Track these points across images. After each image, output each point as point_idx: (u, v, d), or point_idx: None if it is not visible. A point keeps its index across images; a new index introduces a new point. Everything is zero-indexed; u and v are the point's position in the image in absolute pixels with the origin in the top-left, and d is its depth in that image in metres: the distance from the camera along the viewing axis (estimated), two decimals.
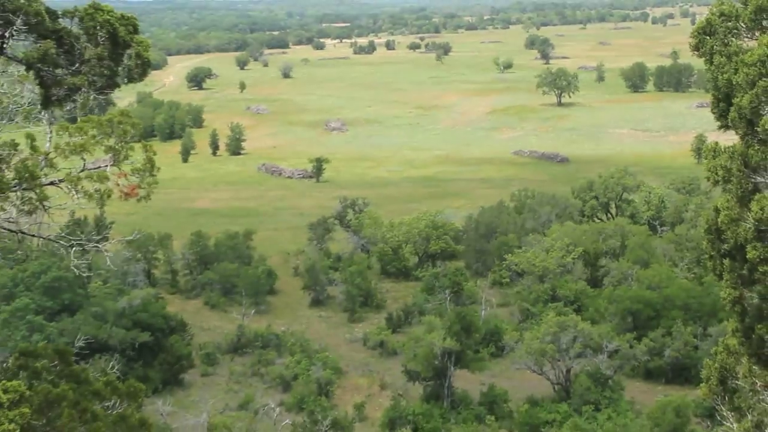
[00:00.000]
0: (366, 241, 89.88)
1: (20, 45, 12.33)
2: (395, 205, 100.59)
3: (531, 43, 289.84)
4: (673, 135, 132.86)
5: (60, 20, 12.07)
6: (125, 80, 12.75)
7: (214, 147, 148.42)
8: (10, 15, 11.40)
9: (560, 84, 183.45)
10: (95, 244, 17.23)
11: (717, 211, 8.65)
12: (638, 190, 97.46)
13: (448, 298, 73.82)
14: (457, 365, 63.12)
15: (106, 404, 13.45)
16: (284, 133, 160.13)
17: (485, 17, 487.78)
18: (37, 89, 12.89)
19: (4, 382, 11.31)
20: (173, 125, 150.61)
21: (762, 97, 7.98)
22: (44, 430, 12.08)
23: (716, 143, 9.01)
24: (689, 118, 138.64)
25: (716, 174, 8.51)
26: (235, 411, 56.76)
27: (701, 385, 12.46)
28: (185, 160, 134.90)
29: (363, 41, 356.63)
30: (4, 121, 14.43)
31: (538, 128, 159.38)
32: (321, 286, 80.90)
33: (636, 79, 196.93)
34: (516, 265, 79.31)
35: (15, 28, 11.68)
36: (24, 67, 12.43)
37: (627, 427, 53.71)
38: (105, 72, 12.01)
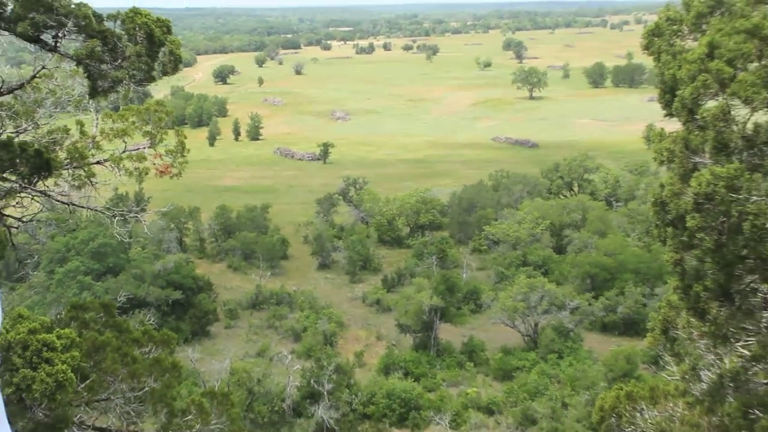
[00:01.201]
0: (365, 214, 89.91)
1: (71, 44, 12.31)
2: (390, 183, 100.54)
3: (507, 45, 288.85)
4: (627, 124, 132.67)
5: (105, 22, 12.08)
6: (160, 74, 12.76)
7: (236, 133, 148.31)
8: (63, 18, 11.41)
9: (532, 80, 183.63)
10: (135, 215, 17.27)
11: (662, 186, 8.69)
12: (597, 171, 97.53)
13: (435, 263, 73.93)
14: (441, 320, 63.32)
15: (144, 350, 13.50)
16: (296, 122, 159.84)
17: (468, 23, 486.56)
18: (85, 82, 12.86)
19: (58, 330, 11.35)
20: (201, 114, 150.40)
21: (701, 90, 8.01)
22: (91, 371, 12.12)
23: (662, 129, 9.05)
24: (641, 110, 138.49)
25: (662, 155, 8.55)
26: (254, 358, 56.93)
27: (647, 335, 12.52)
28: (211, 145, 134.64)
29: (364, 43, 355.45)
30: (57, 110, 14.43)
31: (513, 118, 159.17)
32: (326, 252, 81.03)
33: (596, 77, 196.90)
34: (493, 235, 79.49)
35: (66, 29, 11.68)
36: (75, 63, 12.42)
37: (585, 372, 53.85)
38: (143, 67, 12.01)
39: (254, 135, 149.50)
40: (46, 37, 11.92)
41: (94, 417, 13.13)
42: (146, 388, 12.80)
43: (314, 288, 74.37)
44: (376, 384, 55.08)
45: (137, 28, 11.85)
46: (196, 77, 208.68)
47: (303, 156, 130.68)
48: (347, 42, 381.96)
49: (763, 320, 9.43)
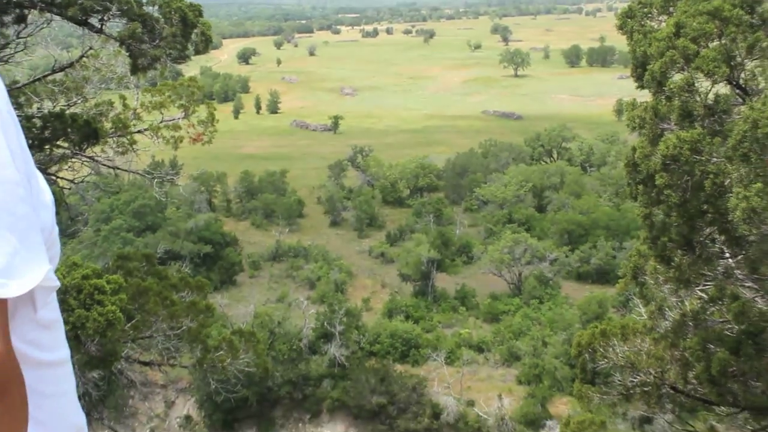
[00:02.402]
0: (371, 178, 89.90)
1: (115, 26, 12.33)
2: (392, 151, 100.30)
3: (495, 30, 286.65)
4: (600, 99, 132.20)
5: (144, 7, 12.09)
6: (193, 52, 12.83)
7: (257, 107, 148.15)
8: (107, 3, 11.43)
9: (516, 61, 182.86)
10: (170, 179, 17.32)
11: (634, 149, 8.69)
12: (573, 140, 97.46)
13: (432, 221, 74.02)
14: (438, 270, 63.51)
15: (181, 294, 13.62)
16: (310, 97, 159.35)
17: (461, 10, 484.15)
18: (127, 61, 12.90)
19: (107, 276, 11.44)
20: (227, 91, 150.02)
21: (668, 64, 7.98)
22: (136, 313, 12.23)
23: (634, 99, 9.04)
24: (612, 87, 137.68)
25: (634, 122, 8.55)
26: (274, 303, 57.17)
27: (619, 280, 12.56)
28: (236, 117, 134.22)
29: (369, 28, 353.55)
30: (102, 86, 14.48)
31: (500, 93, 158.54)
32: (337, 212, 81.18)
33: (573, 57, 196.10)
34: (482, 196, 79.53)
35: (111, 13, 11.70)
36: (118, 44, 12.45)
37: (562, 315, 54.17)
38: (178, 46, 12.04)
39: (273, 109, 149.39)
40: (93, 20, 11.95)
41: (138, 352, 13.30)
42: (183, 328, 12.92)
43: (326, 242, 74.56)
44: (381, 326, 55.40)
45: (173, 12, 11.87)
46: (222, 58, 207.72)
47: (316, 127, 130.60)
48: (354, 27, 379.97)
49: (720, 267, 9.45)
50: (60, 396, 1.53)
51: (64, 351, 1.55)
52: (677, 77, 8.24)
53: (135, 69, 12.33)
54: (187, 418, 50.60)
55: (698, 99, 8.24)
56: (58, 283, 1.41)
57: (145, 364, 13.40)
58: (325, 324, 51.97)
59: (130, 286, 11.91)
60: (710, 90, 8.42)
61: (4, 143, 1.34)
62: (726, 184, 7.59)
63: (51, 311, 1.48)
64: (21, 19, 11.85)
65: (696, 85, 8.22)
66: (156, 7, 12.10)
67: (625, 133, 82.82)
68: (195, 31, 12.22)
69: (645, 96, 9.03)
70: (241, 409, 49.07)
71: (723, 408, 12.30)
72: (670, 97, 8.19)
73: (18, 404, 1.29)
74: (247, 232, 77.67)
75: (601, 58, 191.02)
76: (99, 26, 12.02)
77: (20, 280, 1.28)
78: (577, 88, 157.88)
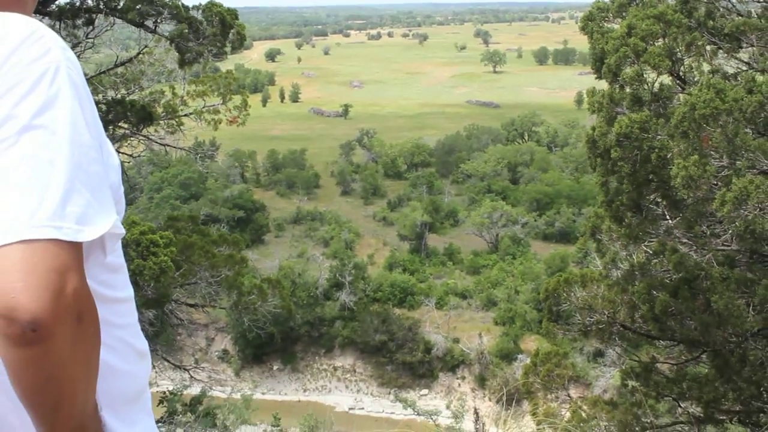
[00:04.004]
0: (375, 155, 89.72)
1: (166, 27, 12.31)
2: (393, 133, 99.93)
3: (477, 34, 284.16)
4: (563, 91, 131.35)
5: (190, 11, 12.06)
6: (230, 49, 12.80)
7: (282, 97, 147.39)
8: (160, 8, 11.40)
9: (495, 59, 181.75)
10: (211, 154, 17.33)
11: (593, 129, 8.70)
12: (541, 125, 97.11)
13: (425, 191, 74.00)
14: (429, 231, 63.59)
15: (220, 249, 13.64)
16: (324, 89, 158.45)
17: (449, 17, 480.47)
18: (176, 57, 12.88)
19: (160, 232, 11.47)
20: (256, 84, 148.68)
21: (622, 59, 7.99)
22: (183, 263, 12.26)
23: (594, 88, 9.02)
24: (573, 82, 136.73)
25: (594, 106, 8.54)
26: (295, 258, 57.23)
27: (580, 238, 12.61)
28: (264, 106, 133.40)
29: (373, 32, 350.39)
30: (155, 78, 14.47)
31: (481, 87, 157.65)
32: (347, 183, 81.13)
33: (541, 57, 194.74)
34: (466, 170, 79.47)
35: (163, 16, 11.66)
36: (168, 42, 12.41)
37: (531, 269, 54.28)
38: (217, 44, 12.02)
39: (294, 99, 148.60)
40: (148, 22, 11.90)
41: (185, 296, 13.34)
42: (222, 276, 12.96)
43: (338, 208, 74.57)
44: (383, 277, 55.59)
45: (213, 15, 11.83)
46: (252, 57, 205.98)
47: (330, 114, 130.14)
48: (362, 31, 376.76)
49: (662, 226, 9.48)
50: (125, 327, 1.56)
51: (128, 290, 1.58)
52: (629, 70, 8.24)
53: (182, 63, 12.31)
54: (225, 351, 50.93)
55: (646, 87, 8.25)
56: (123, 231, 1.42)
57: (191, 305, 13.49)
58: (337, 275, 52.18)
59: (178, 242, 11.95)
60: (656, 80, 8.43)
61: (80, 113, 1.35)
62: (668, 157, 7.61)
63: (117, 257, 1.50)
64: (89, 23, 11.81)
65: (644, 76, 8.22)
66: (200, 12, 12.11)
67: (584, 119, 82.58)
68: (232, 31, 12.20)
69: (602, 85, 9.04)
70: (269, 345, 49.41)
71: (662, 342, 12.40)
72: (623, 86, 8.20)
73: (92, 330, 1.31)
74: (273, 199, 77.64)
75: (564, 57, 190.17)
76: (153, 27, 11.98)
77: (93, 227, 1.28)
78: (544, 82, 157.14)
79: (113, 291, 1.49)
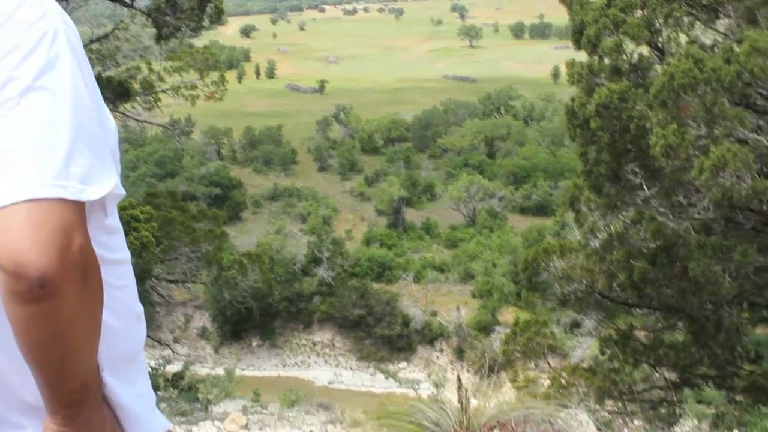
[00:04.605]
0: (351, 131, 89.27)
1: (142, 2, 12.20)
2: (370, 108, 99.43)
3: (453, 8, 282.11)
4: (539, 66, 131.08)
5: None
6: (208, 23, 12.69)
7: (257, 74, 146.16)
8: None
9: (471, 34, 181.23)
10: (189, 130, 17.24)
11: (573, 99, 8.74)
12: (517, 99, 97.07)
13: (402, 165, 73.94)
14: (407, 206, 63.64)
15: (200, 224, 13.58)
16: (300, 65, 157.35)
17: None
18: (152, 33, 12.77)
19: (140, 207, 11.41)
20: (231, 60, 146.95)
21: (601, 30, 8.02)
22: (163, 239, 12.21)
23: (573, 59, 9.05)
24: (549, 56, 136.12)
25: (573, 77, 8.58)
26: (273, 235, 57.00)
27: (558, 209, 12.69)
28: (239, 82, 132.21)
29: (349, 7, 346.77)
30: (131, 54, 14.34)
31: (458, 61, 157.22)
32: (324, 159, 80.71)
33: (518, 31, 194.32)
34: (443, 145, 79.31)
35: None
36: (145, 17, 12.29)
37: (508, 242, 54.46)
38: (195, 18, 11.91)
39: (270, 75, 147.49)
40: None
41: (165, 271, 13.30)
42: (202, 251, 12.93)
43: (315, 184, 74.32)
44: (361, 252, 55.63)
45: None
46: (227, 33, 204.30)
47: (306, 89, 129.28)
48: (337, 6, 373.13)
49: (640, 195, 9.58)
50: (124, 288, 1.57)
51: (126, 253, 1.60)
52: (608, 40, 8.27)
53: (159, 38, 12.22)
54: (203, 329, 50.89)
55: (625, 58, 8.30)
56: (124, 192, 1.44)
57: (172, 282, 13.47)
58: (315, 251, 52.13)
59: (158, 217, 11.91)
60: (635, 51, 8.48)
61: (80, 75, 1.35)
62: (647, 127, 7.68)
63: (114, 220, 1.52)
64: None
65: (623, 47, 8.27)
66: None
67: (560, 93, 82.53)
68: (209, 4, 12.10)
69: (582, 57, 9.07)
70: (247, 321, 49.36)
71: (639, 310, 12.58)
72: (602, 57, 8.24)
73: (97, 288, 1.32)
74: (250, 176, 77.19)
75: (540, 32, 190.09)
76: (130, 2, 11.86)
77: (95, 187, 1.29)
78: (521, 57, 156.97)
79: (112, 253, 1.51)
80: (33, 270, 1.19)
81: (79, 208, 1.27)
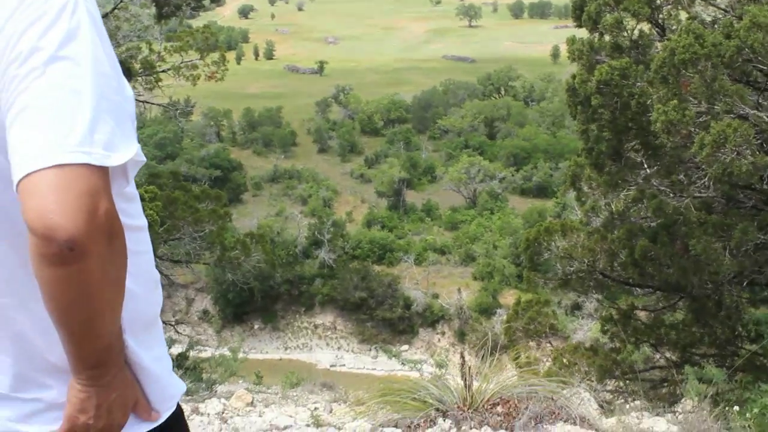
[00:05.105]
0: (351, 112, 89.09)
1: None
2: (370, 89, 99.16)
3: None
4: (539, 45, 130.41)
5: None
6: (208, 2, 12.67)
7: (256, 55, 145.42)
8: None
9: (470, 14, 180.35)
10: (189, 111, 17.26)
11: (573, 77, 8.76)
12: (517, 80, 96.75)
13: (402, 147, 73.88)
14: (407, 187, 63.71)
15: (203, 204, 13.63)
16: (299, 46, 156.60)
17: None
18: (152, 12, 12.78)
19: (145, 187, 11.48)
20: (230, 41, 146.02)
21: (602, 6, 8.05)
22: (167, 219, 12.27)
23: (574, 36, 9.07)
24: (549, 36, 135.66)
25: (574, 54, 8.61)
26: (274, 217, 57.10)
27: (560, 187, 12.73)
28: (238, 63, 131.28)
29: None
30: (132, 33, 14.33)
31: (457, 41, 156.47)
32: (324, 140, 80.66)
33: (517, 11, 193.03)
34: (443, 126, 79.22)
35: None
36: None
37: (509, 223, 54.54)
38: None
39: (269, 56, 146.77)
40: None
41: (169, 251, 13.37)
42: (206, 231, 13.00)
43: (315, 166, 74.29)
44: (362, 234, 55.76)
45: None
46: (225, 14, 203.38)
47: (305, 70, 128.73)
48: None
49: (642, 173, 9.63)
50: (143, 254, 1.63)
51: (143, 220, 1.66)
52: (609, 17, 8.30)
53: (159, 17, 12.23)
54: (205, 312, 51.03)
55: (626, 35, 8.32)
56: (145, 159, 1.48)
57: (176, 261, 13.55)
58: (316, 233, 52.28)
59: (162, 197, 11.97)
60: (635, 28, 8.51)
61: (100, 45, 1.40)
62: (648, 103, 7.72)
63: (132, 188, 1.57)
64: None
65: (624, 23, 8.29)
66: None
67: (560, 73, 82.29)
68: None
69: (582, 34, 9.09)
70: (249, 304, 49.59)
71: (640, 291, 12.65)
72: (603, 33, 8.27)
73: (121, 251, 1.37)
74: (250, 158, 77.17)
75: (540, 11, 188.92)
76: None
77: (118, 153, 1.34)
78: (520, 36, 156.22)
79: (132, 219, 1.57)
80: (62, 233, 1.24)
81: (103, 173, 1.32)
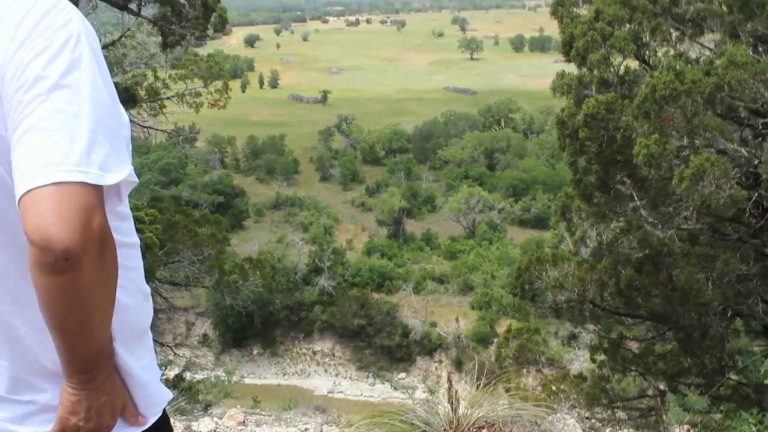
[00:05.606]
0: (353, 141, 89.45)
1: (149, 10, 12.42)
2: (372, 119, 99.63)
3: (454, 21, 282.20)
4: (539, 79, 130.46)
5: None
6: (212, 32, 12.93)
7: (261, 83, 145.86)
8: None
9: (472, 46, 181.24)
10: (193, 137, 17.48)
11: (562, 110, 8.98)
12: (517, 112, 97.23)
13: (403, 177, 74.09)
14: (407, 217, 63.79)
15: (203, 229, 13.77)
16: (303, 75, 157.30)
17: (427, 4, 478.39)
18: (158, 41, 13.00)
19: (145, 210, 11.64)
20: (236, 70, 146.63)
21: (590, 43, 8.28)
22: (167, 242, 12.40)
23: (564, 70, 9.30)
24: (549, 69, 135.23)
25: (563, 88, 8.83)
26: (275, 243, 57.17)
27: (552, 217, 12.88)
28: (243, 91, 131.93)
29: (352, 18, 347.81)
30: (138, 61, 14.54)
31: (458, 73, 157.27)
32: (326, 169, 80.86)
33: (518, 44, 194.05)
34: (444, 156, 79.47)
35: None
36: (151, 25, 12.53)
37: (507, 254, 54.45)
38: (200, 27, 12.16)
39: (273, 84, 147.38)
40: (132, 5, 12.04)
41: (168, 274, 13.49)
42: (205, 254, 13.11)
43: (317, 194, 74.46)
44: (361, 262, 55.74)
45: None
46: (231, 43, 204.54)
47: (309, 99, 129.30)
48: (340, 17, 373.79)
49: (630, 205, 9.82)
50: (135, 269, 1.76)
51: (135, 238, 1.78)
52: (596, 53, 8.53)
53: (165, 46, 12.45)
54: (205, 336, 50.96)
55: (612, 70, 8.55)
56: (137, 180, 1.61)
57: (174, 284, 13.66)
58: (316, 260, 52.30)
59: (162, 221, 12.11)
60: (622, 64, 8.74)
61: (99, 74, 1.55)
62: (633, 137, 7.92)
63: (126, 207, 1.70)
64: (74, 5, 11.91)
65: (611, 59, 8.53)
66: None
67: (559, 106, 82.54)
68: (213, 14, 12.33)
69: (573, 68, 9.32)
70: (248, 329, 49.53)
71: (630, 320, 12.77)
72: (591, 69, 8.49)
73: (112, 262, 1.49)
74: (253, 185, 77.40)
75: (540, 45, 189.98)
76: (137, 10, 12.12)
77: (112, 174, 1.45)
78: (521, 69, 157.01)
79: (124, 237, 1.70)
80: (58, 244, 1.36)
81: (98, 191, 1.44)
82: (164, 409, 1.88)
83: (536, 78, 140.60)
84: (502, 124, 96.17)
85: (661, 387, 12.47)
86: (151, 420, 1.79)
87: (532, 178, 68.65)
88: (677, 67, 6.95)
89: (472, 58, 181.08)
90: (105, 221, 1.45)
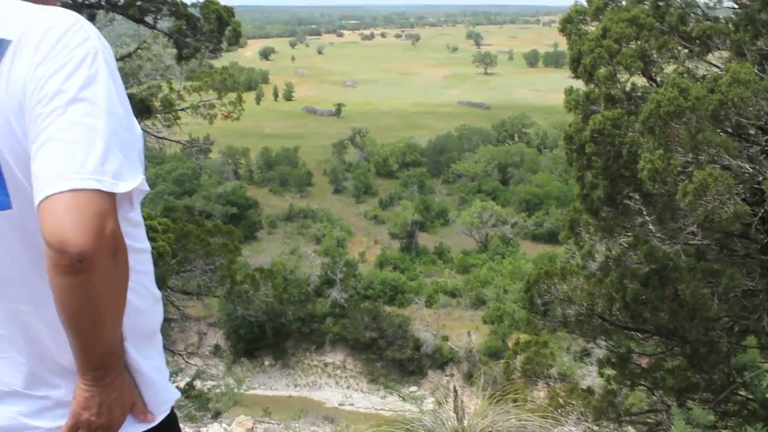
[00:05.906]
0: (367, 154, 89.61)
1: (164, 23, 12.59)
2: (385, 132, 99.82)
3: (469, 36, 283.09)
4: (553, 94, 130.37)
5: (188, 8, 12.37)
6: (226, 45, 13.10)
7: (275, 96, 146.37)
8: (160, 5, 11.71)
9: (486, 61, 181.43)
10: (207, 148, 17.64)
11: (570, 125, 9.08)
12: (531, 127, 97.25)
13: (416, 190, 74.17)
14: (420, 230, 63.85)
15: (215, 239, 13.89)
16: (318, 88, 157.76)
17: (442, 18, 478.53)
18: (173, 53, 13.17)
19: (158, 218, 11.79)
20: (251, 82, 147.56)
21: (597, 59, 8.39)
22: (179, 251, 12.53)
23: (572, 87, 9.40)
24: (563, 84, 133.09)
25: (570, 104, 8.93)
26: (288, 255, 57.27)
27: (561, 231, 12.95)
28: (258, 103, 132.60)
29: (367, 32, 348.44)
30: (153, 73, 14.72)
31: (472, 88, 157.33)
32: (339, 181, 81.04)
33: (532, 59, 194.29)
34: (457, 170, 79.52)
35: (162, 13, 11.98)
36: (167, 38, 12.71)
37: (520, 268, 54.44)
38: (214, 40, 12.35)
39: (288, 97, 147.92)
40: (148, 18, 12.23)
41: (180, 283, 13.61)
42: (217, 264, 13.23)
43: (330, 206, 74.59)
44: (374, 274, 55.77)
45: (210, 12, 12.17)
46: (247, 55, 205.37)
47: (323, 112, 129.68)
48: (355, 31, 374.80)
49: (637, 220, 9.89)
50: (146, 273, 1.86)
51: (147, 243, 1.89)
52: (603, 70, 8.64)
53: (180, 59, 12.64)
54: (216, 346, 51.11)
55: (619, 87, 8.65)
56: (148, 189, 1.72)
57: (186, 293, 13.79)
58: (329, 272, 52.39)
59: (175, 230, 12.25)
60: (628, 80, 8.83)
61: (114, 89, 1.66)
62: (639, 152, 8.01)
63: (137, 215, 1.82)
64: (91, 18, 12.08)
65: (617, 76, 8.63)
66: (197, 8, 12.44)
67: (566, 109, 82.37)
68: (228, 27, 12.50)
69: (581, 84, 9.42)
70: (260, 340, 49.63)
71: (638, 334, 12.79)
72: (598, 85, 8.60)
73: (124, 265, 1.57)
74: (266, 197, 77.61)
75: (554, 60, 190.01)
76: (153, 23, 12.31)
77: (125, 182, 1.55)
78: (535, 84, 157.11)
79: (136, 242, 1.81)
80: (74, 247, 1.47)
81: (111, 198, 1.55)
82: (172, 408, 1.98)
83: (550, 93, 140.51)
84: (516, 139, 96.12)
85: (670, 402, 12.48)
86: (159, 417, 1.88)
87: (545, 192, 68.61)
88: (682, 83, 7.05)
89: (486, 73, 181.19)
90: (117, 227, 1.54)
